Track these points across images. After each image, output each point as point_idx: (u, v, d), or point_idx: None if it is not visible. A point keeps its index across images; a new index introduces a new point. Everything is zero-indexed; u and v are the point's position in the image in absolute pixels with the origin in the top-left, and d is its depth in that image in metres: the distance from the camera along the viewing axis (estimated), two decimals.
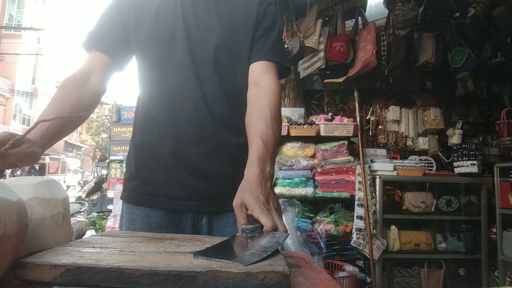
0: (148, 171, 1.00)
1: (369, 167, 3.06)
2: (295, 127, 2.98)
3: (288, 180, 2.92)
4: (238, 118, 0.98)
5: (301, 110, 3.36)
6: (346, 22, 3.22)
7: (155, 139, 0.99)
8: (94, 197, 5.83)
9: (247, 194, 0.72)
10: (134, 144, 1.05)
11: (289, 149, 2.97)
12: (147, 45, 1.00)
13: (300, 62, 3.22)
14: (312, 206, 3.08)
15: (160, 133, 0.98)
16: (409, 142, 3.37)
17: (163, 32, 0.99)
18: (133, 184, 1.02)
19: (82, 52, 1.05)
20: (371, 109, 3.47)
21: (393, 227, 3.01)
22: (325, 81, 3.22)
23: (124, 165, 3.27)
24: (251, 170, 0.79)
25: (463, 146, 3.14)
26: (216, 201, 0.99)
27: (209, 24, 1.00)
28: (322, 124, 3.02)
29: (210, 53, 0.98)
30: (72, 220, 4.08)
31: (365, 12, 3.31)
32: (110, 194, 3.39)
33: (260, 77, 0.97)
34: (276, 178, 2.94)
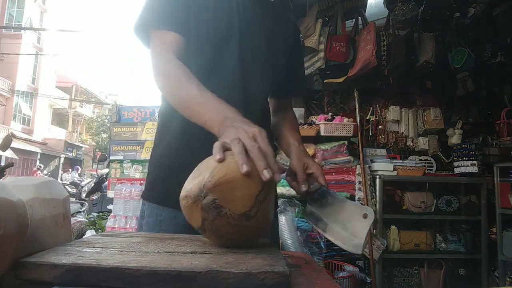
0: (181, 172, 0.97)
1: (369, 167, 3.06)
2: None
3: None
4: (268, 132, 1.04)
5: (301, 110, 3.36)
6: (346, 22, 3.22)
7: (187, 140, 0.96)
8: (94, 197, 5.81)
9: (309, 160, 0.96)
10: (165, 143, 1.02)
11: None
12: (204, 35, 0.96)
13: None
14: None
15: (193, 136, 0.94)
16: (409, 142, 3.37)
17: (221, 29, 0.96)
18: (165, 184, 0.99)
19: (139, 32, 0.95)
20: (371, 109, 3.47)
21: (393, 227, 3.01)
22: (325, 81, 3.22)
23: (124, 165, 3.26)
24: (301, 148, 1.01)
25: (463, 146, 3.14)
26: None
27: (259, 40, 1.01)
28: (322, 124, 3.02)
29: (258, 69, 1.00)
30: (72, 220, 4.07)
31: (365, 12, 3.31)
32: (110, 194, 3.39)
33: (285, 107, 1.21)
34: None
